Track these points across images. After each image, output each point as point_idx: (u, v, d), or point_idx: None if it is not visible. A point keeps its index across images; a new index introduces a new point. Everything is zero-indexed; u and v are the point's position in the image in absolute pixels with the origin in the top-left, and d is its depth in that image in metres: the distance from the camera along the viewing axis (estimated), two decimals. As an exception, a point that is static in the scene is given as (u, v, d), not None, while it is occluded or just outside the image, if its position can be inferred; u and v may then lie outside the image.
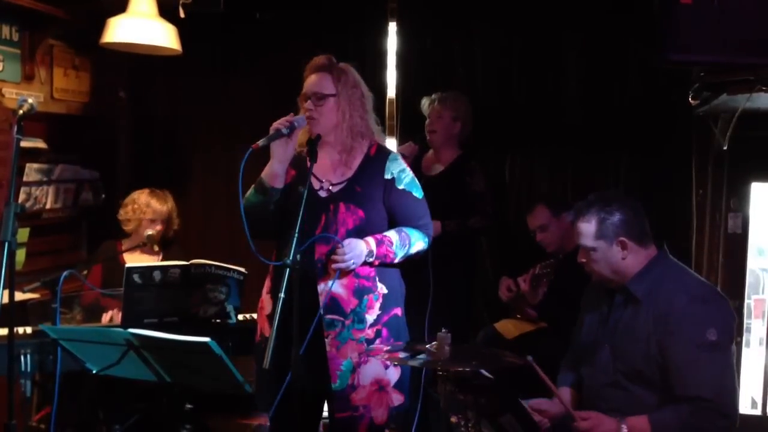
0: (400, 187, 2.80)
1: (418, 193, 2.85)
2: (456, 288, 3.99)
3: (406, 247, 2.77)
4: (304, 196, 2.48)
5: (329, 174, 2.80)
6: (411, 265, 3.93)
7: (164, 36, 3.78)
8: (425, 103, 4.11)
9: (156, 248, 3.79)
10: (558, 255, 3.81)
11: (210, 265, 3.18)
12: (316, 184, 2.79)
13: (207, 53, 4.68)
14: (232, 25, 4.57)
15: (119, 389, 3.28)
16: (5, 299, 2.31)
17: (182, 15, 3.89)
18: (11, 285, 2.30)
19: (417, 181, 2.87)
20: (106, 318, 3.46)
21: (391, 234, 2.75)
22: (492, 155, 4.46)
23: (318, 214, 2.72)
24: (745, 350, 4.26)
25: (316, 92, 2.75)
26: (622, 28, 4.22)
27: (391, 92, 4.63)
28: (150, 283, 3.00)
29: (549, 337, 3.64)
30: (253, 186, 2.76)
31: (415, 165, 4.11)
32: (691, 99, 3.39)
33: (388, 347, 2.65)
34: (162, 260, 3.74)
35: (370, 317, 2.74)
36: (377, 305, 2.76)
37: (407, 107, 4.42)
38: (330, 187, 2.78)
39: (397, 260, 2.77)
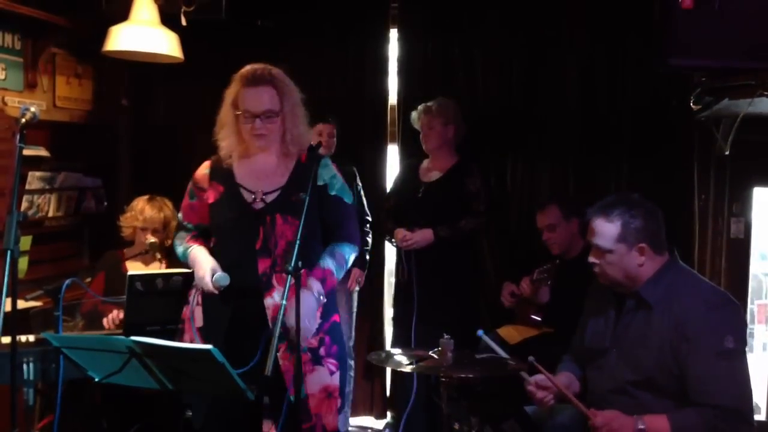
0: (333, 193, 2.76)
1: (348, 198, 2.81)
2: (459, 292, 4.02)
3: (343, 267, 2.73)
4: (306, 203, 2.45)
5: (260, 183, 2.71)
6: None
7: (166, 44, 3.79)
8: (414, 116, 4.16)
9: (158, 255, 3.79)
10: (555, 260, 3.80)
11: (212, 273, 3.17)
12: (248, 196, 2.70)
13: (209, 61, 4.67)
14: (233, 33, 4.57)
15: (122, 397, 3.27)
16: (8, 307, 2.31)
17: (184, 23, 3.90)
18: (14, 293, 2.30)
19: (347, 186, 2.83)
20: (107, 322, 3.45)
21: (328, 263, 2.69)
22: (493, 159, 4.47)
23: (255, 227, 2.64)
24: (748, 356, 4.24)
25: (267, 110, 2.66)
26: (622, 32, 4.23)
27: (393, 98, 4.64)
28: (152, 291, 2.99)
29: (552, 342, 3.63)
30: (181, 249, 2.88)
31: (413, 173, 4.16)
32: (693, 104, 3.38)
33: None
34: (165, 268, 3.72)
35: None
36: (318, 315, 2.69)
37: (409, 113, 4.41)
38: (263, 197, 2.70)
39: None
